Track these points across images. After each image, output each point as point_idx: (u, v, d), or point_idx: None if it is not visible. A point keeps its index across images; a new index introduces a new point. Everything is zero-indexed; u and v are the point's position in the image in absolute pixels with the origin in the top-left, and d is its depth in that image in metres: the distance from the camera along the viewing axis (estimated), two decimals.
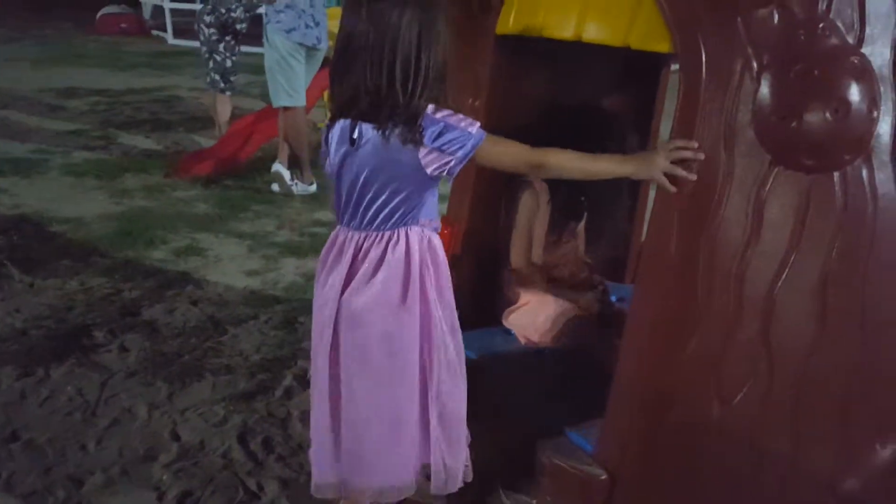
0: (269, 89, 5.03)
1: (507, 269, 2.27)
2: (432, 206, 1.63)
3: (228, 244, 4.16)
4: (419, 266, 1.59)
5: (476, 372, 2.09)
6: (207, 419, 2.52)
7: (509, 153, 1.56)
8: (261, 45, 5.02)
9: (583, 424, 1.82)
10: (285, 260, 3.96)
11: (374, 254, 1.58)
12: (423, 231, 1.61)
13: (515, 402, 2.01)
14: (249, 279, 3.70)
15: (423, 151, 1.48)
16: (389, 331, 1.59)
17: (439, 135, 1.47)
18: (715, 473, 1.58)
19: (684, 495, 1.60)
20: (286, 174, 5.06)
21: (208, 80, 6.08)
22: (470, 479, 1.75)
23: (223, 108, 6.12)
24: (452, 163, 1.50)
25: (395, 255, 1.57)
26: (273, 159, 5.14)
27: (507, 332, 2.28)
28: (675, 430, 1.59)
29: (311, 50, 4.94)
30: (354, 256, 1.60)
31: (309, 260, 3.92)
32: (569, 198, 2.17)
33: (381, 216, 1.56)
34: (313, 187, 5.11)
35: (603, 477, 1.67)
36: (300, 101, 4.98)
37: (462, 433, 1.73)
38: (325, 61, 5.37)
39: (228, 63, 6.00)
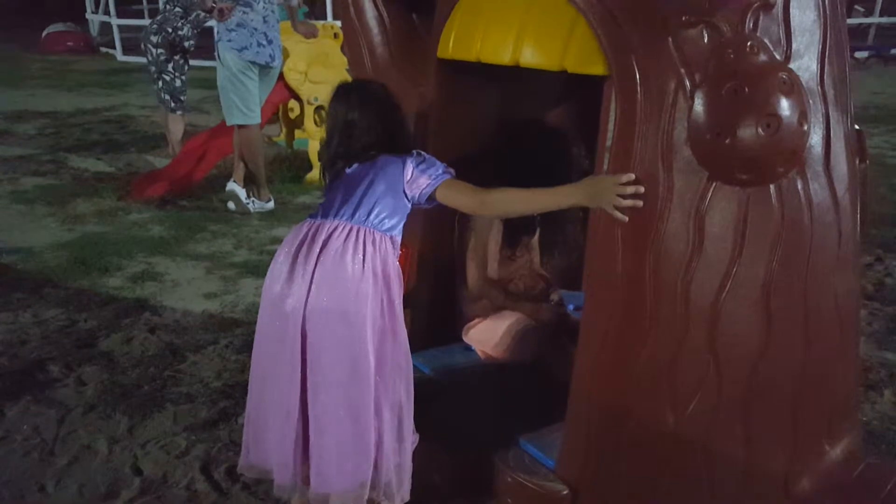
0: (222, 108, 4.97)
1: (463, 286, 2.29)
2: (401, 230, 1.86)
3: (185, 267, 4.11)
4: (386, 270, 1.76)
5: (433, 389, 2.12)
6: (169, 451, 2.49)
7: (465, 193, 1.82)
8: (212, 58, 4.95)
9: (537, 433, 1.85)
10: (244, 280, 3.92)
11: (354, 242, 1.75)
12: (394, 243, 1.83)
13: (473, 418, 2.02)
14: (208, 302, 3.65)
15: (408, 169, 1.82)
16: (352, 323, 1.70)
17: (421, 162, 1.84)
18: (673, 481, 1.61)
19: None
20: (241, 193, 5.01)
21: (159, 99, 6.00)
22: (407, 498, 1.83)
23: (175, 127, 6.05)
24: (425, 187, 1.80)
25: (374, 251, 1.75)
26: (229, 177, 5.09)
27: (468, 348, 2.30)
28: (633, 441, 1.61)
29: (264, 68, 4.89)
30: (326, 242, 1.74)
31: None
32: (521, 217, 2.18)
33: (372, 214, 1.79)
34: (270, 204, 5.07)
35: (564, 492, 1.69)
36: (255, 119, 4.93)
37: (409, 434, 1.82)
38: (280, 76, 5.35)
39: (178, 83, 5.93)
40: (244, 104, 4.83)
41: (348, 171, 1.86)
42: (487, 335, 2.27)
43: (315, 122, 5.85)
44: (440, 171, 1.81)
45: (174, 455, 2.46)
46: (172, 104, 5.96)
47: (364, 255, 1.72)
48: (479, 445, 1.91)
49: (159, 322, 3.42)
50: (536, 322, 2.26)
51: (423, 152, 1.86)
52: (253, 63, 4.79)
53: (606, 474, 1.67)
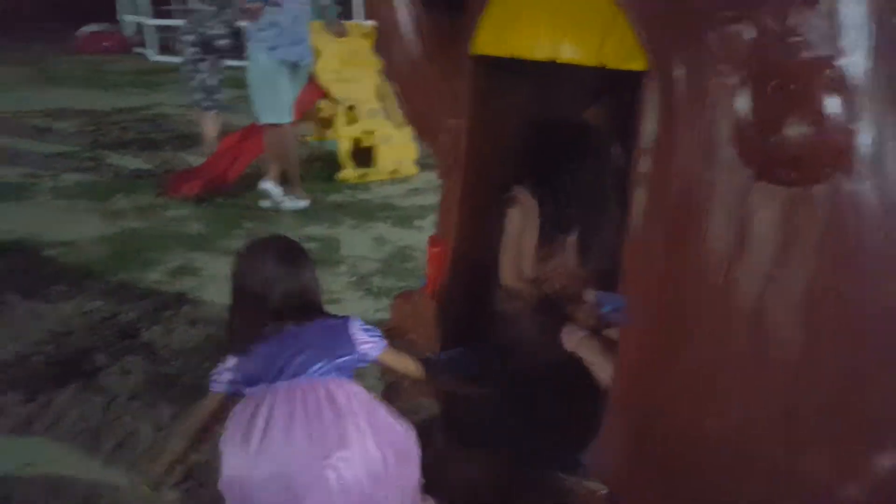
0: (254, 106, 5.04)
1: (498, 285, 2.31)
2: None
3: (222, 262, 4.18)
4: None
5: (467, 387, 2.14)
6: (211, 439, 2.57)
7: (408, 358, 1.89)
8: (245, 58, 5.02)
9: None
10: None
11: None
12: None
13: (510, 420, 2.03)
14: None
15: (353, 329, 1.75)
16: None
17: (362, 325, 1.78)
18: (711, 487, 1.58)
19: None
20: (275, 191, 5.10)
21: (193, 98, 6.12)
22: None
23: (210, 125, 6.16)
24: (371, 347, 1.76)
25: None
26: (263, 175, 5.18)
27: (500, 348, 2.32)
28: (671, 445, 1.59)
29: (295, 66, 4.95)
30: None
31: None
32: (557, 211, 2.20)
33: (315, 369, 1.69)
34: (304, 203, 5.16)
35: (604, 492, 1.69)
36: (286, 117, 4.99)
37: None
38: (311, 75, 5.44)
39: (212, 81, 6.03)
40: (276, 103, 4.89)
41: (267, 345, 1.69)
42: (522, 335, 2.28)
43: (346, 122, 5.93)
44: (380, 335, 1.80)
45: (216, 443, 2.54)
46: (207, 103, 6.07)
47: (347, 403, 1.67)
48: (519, 449, 1.92)
49: (199, 315, 3.52)
50: (572, 323, 2.27)
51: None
52: (283, 62, 4.84)
53: (642, 476, 1.65)
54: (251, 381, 1.69)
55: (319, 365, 1.68)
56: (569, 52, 1.64)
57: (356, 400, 1.68)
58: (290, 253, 1.77)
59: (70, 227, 4.72)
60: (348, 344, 1.72)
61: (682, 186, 1.46)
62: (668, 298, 1.52)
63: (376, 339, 1.78)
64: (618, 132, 2.28)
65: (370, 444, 1.63)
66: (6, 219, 4.84)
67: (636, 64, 1.50)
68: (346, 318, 1.76)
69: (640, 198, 1.56)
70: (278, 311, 1.69)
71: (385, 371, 2.39)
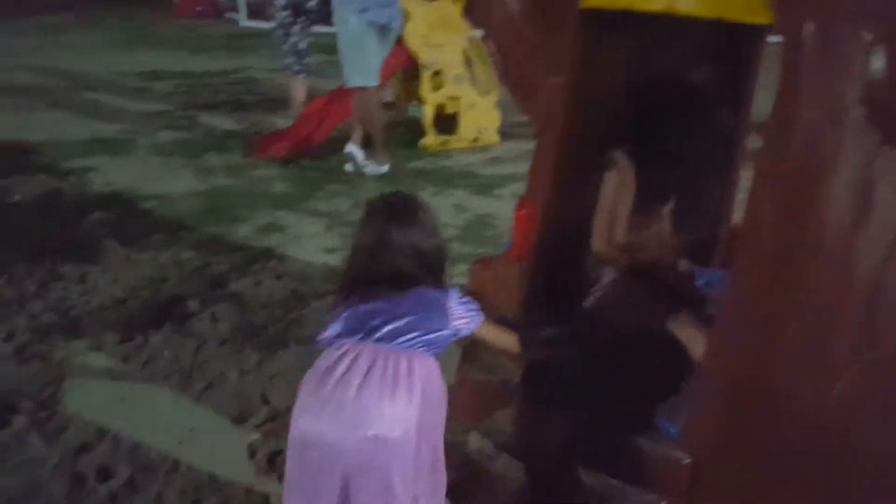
0: (342, 70, 5.09)
1: (588, 250, 2.27)
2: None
3: (307, 222, 4.30)
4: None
5: (553, 350, 2.13)
6: (293, 384, 2.64)
7: (503, 332, 1.85)
8: (333, 24, 5.04)
9: (675, 412, 1.80)
10: None
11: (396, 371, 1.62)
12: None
13: (597, 383, 2.01)
14: (328, 256, 3.82)
15: (451, 303, 1.70)
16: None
17: (461, 298, 1.74)
18: (805, 465, 1.53)
19: (772, 485, 1.56)
20: (359, 154, 5.16)
21: (284, 61, 6.22)
22: None
23: (298, 89, 6.23)
24: (468, 322, 1.73)
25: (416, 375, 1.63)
26: (347, 139, 5.26)
27: (589, 315, 2.29)
28: (766, 418, 1.54)
29: (383, 29, 4.94)
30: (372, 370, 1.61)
31: None
32: (656, 178, 2.13)
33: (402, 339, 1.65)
34: (385, 167, 5.20)
35: (686, 461, 1.65)
36: (373, 80, 5.01)
37: None
38: (398, 39, 5.44)
39: (303, 45, 6.09)
40: (363, 66, 4.91)
41: (367, 305, 1.65)
42: (607, 302, 2.25)
43: (431, 88, 5.92)
44: (477, 309, 1.75)
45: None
46: (297, 66, 6.15)
47: (409, 380, 1.61)
48: (603, 412, 1.89)
49: (284, 270, 3.62)
50: (663, 294, 2.22)
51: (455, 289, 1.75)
52: (372, 24, 4.84)
53: (733, 448, 1.61)
54: (343, 334, 1.68)
55: (410, 336, 1.64)
56: (686, 4, 1.58)
57: (430, 387, 1.65)
58: (406, 213, 1.70)
59: (165, 181, 4.91)
60: (443, 319, 1.68)
61: (803, 149, 1.40)
62: (781, 266, 1.46)
63: (472, 313, 1.74)
64: (729, 94, 2.21)
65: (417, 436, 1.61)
66: (106, 172, 5.07)
67: (759, 17, 1.45)
68: (445, 291, 1.71)
69: (757, 162, 1.50)
70: (387, 270, 1.65)
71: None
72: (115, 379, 2.68)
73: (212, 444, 2.35)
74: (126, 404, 2.53)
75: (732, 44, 2.14)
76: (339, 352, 1.63)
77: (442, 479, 1.72)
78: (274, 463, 2.22)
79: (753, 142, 2.16)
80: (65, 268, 3.52)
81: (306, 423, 1.59)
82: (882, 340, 1.40)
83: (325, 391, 1.58)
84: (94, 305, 3.18)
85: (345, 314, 1.67)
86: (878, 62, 1.29)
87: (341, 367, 1.60)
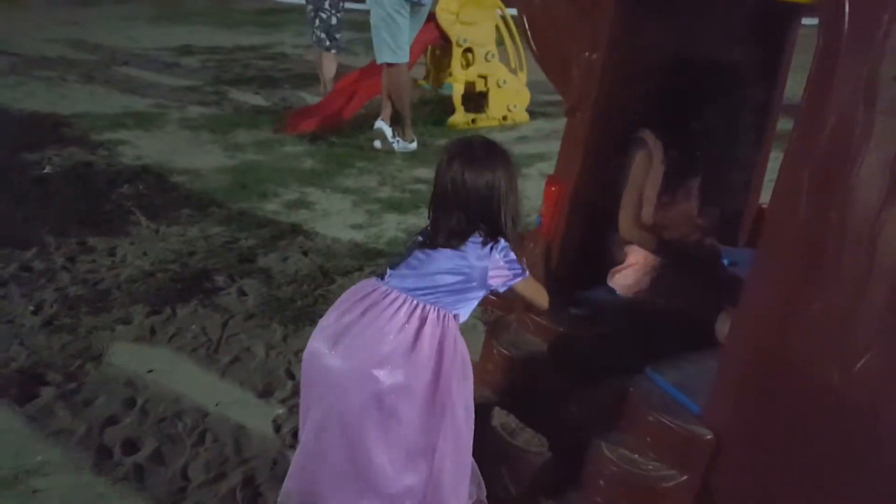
0: (373, 46, 5.08)
1: (614, 228, 2.26)
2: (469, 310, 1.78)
3: (334, 199, 4.30)
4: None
5: (580, 327, 2.13)
6: None
7: (542, 292, 1.87)
8: (364, 1, 5.06)
9: (664, 363, 1.85)
10: (387, 215, 4.07)
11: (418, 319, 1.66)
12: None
13: (616, 361, 2.01)
14: (354, 232, 3.83)
15: (494, 260, 1.70)
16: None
17: (506, 254, 1.72)
18: (828, 442, 1.53)
19: (793, 462, 1.58)
20: (388, 131, 5.15)
21: (314, 37, 6.20)
22: None
23: (329, 65, 6.24)
24: (508, 279, 1.73)
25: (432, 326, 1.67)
26: (376, 117, 5.24)
27: (612, 292, 2.28)
28: (789, 395, 1.55)
29: (415, 6, 4.94)
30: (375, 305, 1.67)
31: (409, 216, 4.02)
32: (684, 157, 2.12)
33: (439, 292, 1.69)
34: (413, 145, 5.18)
35: (709, 437, 1.66)
36: (404, 57, 5.01)
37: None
38: (430, 16, 5.40)
39: (334, 21, 6.09)
40: (395, 42, 4.91)
41: (428, 251, 1.70)
42: (635, 281, 2.24)
43: (462, 65, 5.88)
44: (522, 267, 1.75)
45: None
46: (328, 42, 6.14)
47: (418, 330, 1.64)
48: (615, 381, 1.90)
49: (311, 246, 3.63)
50: (688, 272, 2.21)
51: (507, 241, 1.73)
52: (405, 0, 4.84)
53: (756, 426, 1.62)
54: (378, 276, 1.74)
55: (435, 288, 1.67)
56: None
57: (445, 343, 1.67)
58: (473, 156, 1.69)
59: (194, 156, 4.94)
60: (479, 274, 1.69)
61: (836, 127, 1.39)
62: (809, 244, 1.46)
63: (514, 270, 1.73)
64: (762, 74, 2.19)
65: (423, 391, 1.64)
66: (137, 145, 5.12)
67: None
68: (496, 242, 1.69)
69: (790, 140, 1.49)
70: (445, 216, 1.68)
71: (488, 305, 2.40)
72: (142, 352, 2.71)
73: (237, 417, 2.37)
74: (153, 377, 2.56)
75: (766, 25, 2.13)
76: (361, 287, 1.72)
77: (463, 441, 1.73)
78: (299, 437, 2.22)
79: (783, 124, 2.13)
80: (94, 240, 3.57)
81: (312, 340, 1.69)
82: None
83: (330, 316, 1.69)
84: (122, 278, 3.22)
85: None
86: None
87: (352, 300, 1.68)
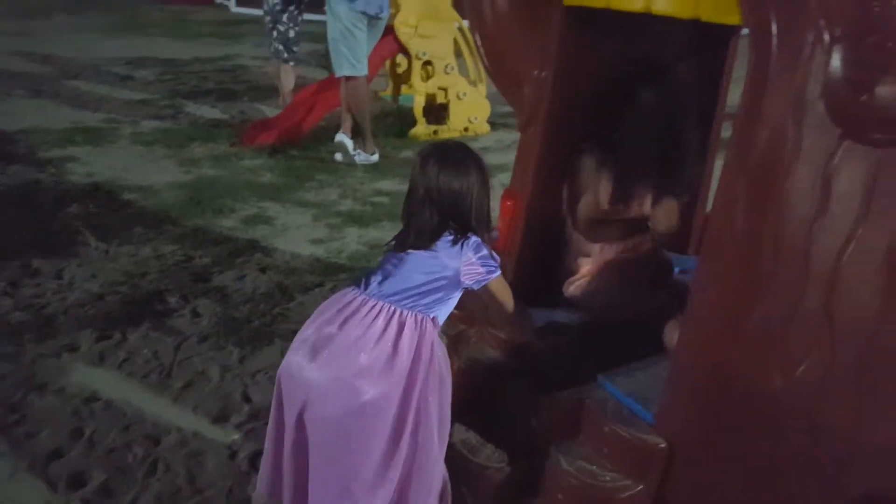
0: (331, 59, 5.07)
1: (568, 240, 2.27)
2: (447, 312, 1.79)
3: (294, 213, 4.23)
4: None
5: (539, 338, 2.12)
6: None
7: (508, 293, 1.86)
8: (323, 12, 5.05)
9: (616, 371, 1.87)
10: (349, 229, 4.02)
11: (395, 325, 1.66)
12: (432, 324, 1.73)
13: (573, 373, 2.01)
14: (315, 247, 3.77)
15: (466, 257, 1.71)
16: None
17: (479, 251, 1.73)
18: (774, 446, 1.58)
19: (743, 466, 1.61)
20: (349, 144, 5.11)
21: (272, 49, 6.14)
22: None
23: (287, 77, 6.19)
24: (480, 277, 1.74)
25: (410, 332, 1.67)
26: (336, 129, 5.19)
27: (569, 307, 2.27)
28: (737, 402, 1.59)
29: (373, 19, 4.96)
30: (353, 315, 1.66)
31: (371, 229, 3.97)
32: (631, 168, 2.14)
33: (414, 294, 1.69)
34: (375, 157, 5.15)
35: (662, 446, 1.69)
36: (363, 70, 5.01)
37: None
38: (386, 30, 5.39)
39: (292, 33, 6.05)
40: (353, 56, 4.92)
41: (401, 255, 1.72)
42: (588, 291, 2.25)
43: (421, 78, 5.87)
44: (496, 264, 1.76)
45: None
46: (286, 54, 6.09)
47: (397, 337, 1.64)
48: (571, 393, 1.91)
49: (270, 262, 3.55)
50: (640, 281, 2.22)
51: (479, 239, 1.75)
52: (363, 14, 4.85)
53: (706, 432, 1.65)
54: (353, 283, 1.73)
55: (409, 291, 1.67)
56: (664, 4, 1.64)
57: (422, 348, 1.67)
58: (452, 159, 1.73)
59: (148, 172, 4.85)
60: (452, 274, 1.70)
61: (768, 143, 1.45)
62: (746, 255, 1.51)
63: (487, 268, 1.73)
64: (706, 86, 2.24)
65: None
66: (87, 162, 5.01)
67: (731, 18, 1.50)
68: (467, 240, 1.70)
69: (726, 154, 1.54)
70: (418, 217, 1.70)
71: (453, 318, 2.37)
72: (90, 379, 2.63)
73: (191, 445, 2.31)
74: (101, 406, 2.49)
75: (709, 38, 2.19)
76: (338, 297, 1.70)
77: (434, 447, 1.72)
78: (256, 464, 2.15)
79: (727, 130, 2.18)
80: (39, 263, 3.47)
81: (291, 354, 1.66)
82: (841, 330, 1.46)
83: (309, 329, 1.66)
84: (69, 302, 3.12)
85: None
86: (836, 61, 1.34)
87: (331, 310, 1.67)
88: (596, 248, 2.28)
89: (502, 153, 5.29)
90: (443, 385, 1.73)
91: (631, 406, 1.81)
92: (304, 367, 1.62)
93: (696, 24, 1.61)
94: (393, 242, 1.76)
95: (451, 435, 2.07)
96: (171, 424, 2.38)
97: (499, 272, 1.77)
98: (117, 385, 2.59)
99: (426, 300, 1.69)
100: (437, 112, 5.97)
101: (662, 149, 2.17)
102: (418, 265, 1.69)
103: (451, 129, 5.92)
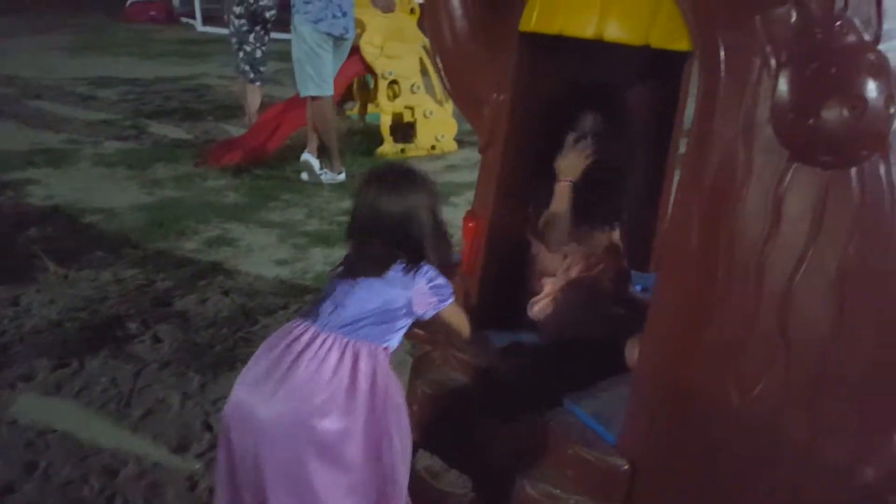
0: (296, 79, 5.06)
1: (531, 261, 2.27)
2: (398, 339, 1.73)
3: (258, 234, 4.19)
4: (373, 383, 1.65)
5: (501, 360, 2.11)
6: None
7: (464, 318, 1.83)
8: (289, 30, 5.05)
9: (581, 393, 1.87)
10: (315, 249, 3.99)
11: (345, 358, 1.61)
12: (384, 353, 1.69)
13: (538, 395, 2.01)
14: (280, 268, 3.73)
15: (418, 286, 1.66)
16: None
17: (432, 279, 1.68)
18: (734, 463, 1.61)
19: (704, 484, 1.63)
20: (315, 163, 5.09)
21: (238, 69, 6.11)
22: None
23: (253, 97, 6.16)
24: (432, 307, 1.69)
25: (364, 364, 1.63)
26: (302, 148, 5.16)
27: (532, 328, 2.27)
28: (696, 421, 1.61)
29: (338, 40, 4.96)
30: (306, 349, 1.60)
31: (338, 249, 3.94)
32: (593, 187, 2.15)
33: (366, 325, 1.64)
34: (342, 176, 5.13)
35: (625, 467, 1.69)
36: (328, 90, 5.01)
37: None
38: (352, 50, 5.39)
39: (258, 53, 6.02)
40: (318, 76, 4.92)
41: (345, 282, 1.66)
42: (552, 311, 2.25)
43: (388, 97, 5.88)
44: (449, 292, 1.71)
45: None
46: (252, 74, 6.06)
47: (352, 369, 1.60)
48: (536, 417, 1.89)
49: (233, 285, 3.51)
50: (604, 300, 2.22)
51: (431, 266, 1.69)
52: (328, 35, 4.86)
53: (668, 452, 1.66)
54: (301, 315, 1.68)
55: (359, 322, 1.62)
56: (615, 31, 1.67)
57: (377, 382, 1.63)
58: (394, 183, 1.67)
59: (109, 194, 4.78)
60: (404, 303, 1.65)
61: (720, 165, 1.49)
62: (700, 275, 1.54)
63: (440, 296, 1.69)
64: (659, 112, 2.27)
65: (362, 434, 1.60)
66: (47, 184, 4.93)
67: (681, 44, 1.53)
68: (419, 269, 1.65)
69: (679, 176, 1.58)
70: (367, 246, 1.65)
71: (418, 340, 2.36)
72: (45, 409, 2.57)
73: (150, 476, 2.26)
74: (57, 437, 2.43)
75: (664, 59, 2.18)
76: (288, 330, 1.63)
77: (399, 475, 1.69)
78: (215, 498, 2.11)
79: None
80: None
81: (238, 391, 1.60)
82: (796, 349, 1.49)
83: (258, 365, 1.60)
84: (26, 330, 3.06)
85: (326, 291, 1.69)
86: (783, 86, 1.38)
87: (281, 345, 1.60)
88: (560, 267, 2.29)
89: (469, 171, 5.30)
90: (401, 414, 1.70)
91: (594, 427, 1.81)
92: (258, 407, 1.55)
93: (653, 50, 1.64)
94: (340, 268, 1.70)
95: (413, 461, 2.06)
96: (129, 455, 2.33)
97: (451, 300, 1.73)
98: (74, 415, 2.53)
99: (378, 330, 1.65)
100: (404, 131, 5.98)
101: (622, 170, 2.20)
102: (369, 294, 1.64)
103: (419, 148, 5.93)
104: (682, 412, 1.61)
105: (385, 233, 1.64)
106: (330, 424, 1.56)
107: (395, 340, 1.70)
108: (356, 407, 1.59)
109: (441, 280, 1.70)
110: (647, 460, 1.68)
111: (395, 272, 1.64)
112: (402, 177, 1.69)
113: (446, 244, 1.75)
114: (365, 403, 1.60)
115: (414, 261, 1.65)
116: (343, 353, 1.60)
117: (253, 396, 1.57)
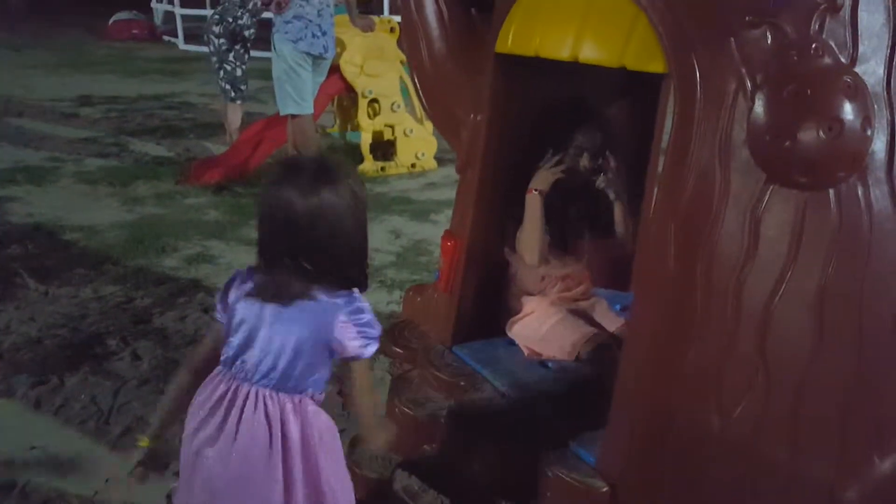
0: (276, 98, 5.09)
1: (510, 280, 2.30)
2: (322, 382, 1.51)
3: (239, 251, 4.20)
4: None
5: (478, 385, 2.13)
6: None
7: (369, 377, 1.50)
8: (269, 49, 5.07)
9: (587, 436, 1.83)
10: None
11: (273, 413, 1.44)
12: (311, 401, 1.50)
13: (519, 417, 2.02)
14: None
15: (339, 318, 1.39)
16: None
17: (359, 317, 1.40)
18: (715, 485, 1.59)
19: None
20: None
21: (219, 88, 6.13)
22: None
23: (234, 115, 6.17)
24: (354, 351, 1.42)
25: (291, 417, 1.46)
26: None
27: (510, 343, 2.30)
28: (676, 443, 1.60)
29: (317, 59, 5.01)
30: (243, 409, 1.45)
31: None
32: (571, 206, 2.19)
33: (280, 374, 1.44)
34: None
35: (604, 489, 1.69)
36: (308, 108, 5.04)
37: None
38: (332, 69, 5.44)
39: (238, 72, 6.05)
40: (298, 94, 4.95)
41: (257, 311, 1.42)
42: (531, 331, 2.27)
43: (368, 115, 5.92)
44: (375, 335, 1.42)
45: None
46: (232, 93, 6.08)
47: (283, 427, 1.43)
48: (523, 442, 1.91)
49: (212, 302, 3.48)
50: (581, 320, 2.25)
51: (360, 298, 1.43)
52: (307, 54, 4.90)
53: (647, 474, 1.66)
54: (227, 334, 1.46)
55: (278, 371, 1.42)
56: (591, 53, 1.67)
57: (308, 430, 1.47)
58: (316, 181, 1.33)
59: (90, 212, 4.75)
60: (325, 344, 1.42)
61: (696, 187, 1.48)
62: (678, 297, 1.53)
63: (363, 340, 1.41)
64: (637, 131, 2.30)
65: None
66: (28, 202, 4.89)
67: (656, 66, 1.52)
68: (345, 297, 1.39)
69: (655, 197, 1.59)
70: (279, 265, 1.39)
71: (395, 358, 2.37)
72: (24, 427, 2.54)
73: (129, 494, 2.23)
74: (35, 455, 2.40)
75: (641, 86, 2.23)
76: (213, 385, 1.47)
77: None
78: None
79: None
80: None
81: (184, 445, 1.52)
82: (776, 371, 1.48)
83: (198, 431, 1.49)
84: (5, 347, 3.03)
85: (236, 294, 1.47)
86: (759, 108, 1.37)
87: (209, 402, 1.46)
88: (538, 287, 2.31)
89: (450, 188, 5.31)
90: (334, 451, 1.54)
91: (574, 449, 1.81)
92: (206, 457, 1.48)
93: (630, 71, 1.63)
94: (248, 285, 1.45)
95: (392, 481, 2.07)
96: (109, 472, 2.30)
97: (376, 346, 1.42)
98: (53, 433, 2.50)
99: (293, 380, 1.42)
100: (384, 149, 6.01)
101: (594, 188, 2.24)
102: (280, 329, 1.39)
103: (399, 166, 5.97)
104: (662, 434, 1.60)
105: (300, 246, 1.35)
106: (273, 482, 1.45)
107: (317, 385, 1.47)
108: (292, 462, 1.45)
109: (369, 316, 1.40)
110: (627, 482, 1.67)
111: (312, 302, 1.37)
112: (321, 171, 1.35)
113: (363, 265, 1.44)
114: (300, 456, 1.46)
115: (337, 285, 1.38)
116: (267, 412, 1.42)
117: (199, 472, 1.50)
